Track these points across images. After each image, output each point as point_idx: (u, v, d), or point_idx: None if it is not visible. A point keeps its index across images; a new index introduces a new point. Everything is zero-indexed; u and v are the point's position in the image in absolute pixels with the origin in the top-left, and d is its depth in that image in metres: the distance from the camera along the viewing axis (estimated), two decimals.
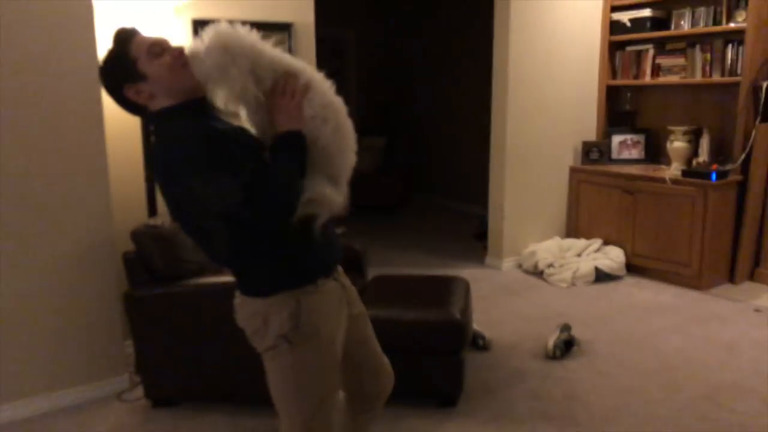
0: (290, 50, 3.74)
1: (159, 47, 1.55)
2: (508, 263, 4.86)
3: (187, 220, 1.60)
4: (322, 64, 3.97)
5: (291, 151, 1.53)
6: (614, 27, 4.98)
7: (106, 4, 3.04)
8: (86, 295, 2.90)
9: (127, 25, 1.61)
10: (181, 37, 3.42)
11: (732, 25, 4.28)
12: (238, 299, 1.68)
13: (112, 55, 1.58)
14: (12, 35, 2.58)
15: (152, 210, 3.22)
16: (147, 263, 2.79)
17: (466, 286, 3.14)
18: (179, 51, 1.55)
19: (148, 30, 3.04)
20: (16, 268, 2.71)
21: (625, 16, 4.89)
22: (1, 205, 2.65)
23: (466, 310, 2.90)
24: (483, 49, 5.39)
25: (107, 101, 1.70)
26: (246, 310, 1.64)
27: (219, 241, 1.57)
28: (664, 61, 4.77)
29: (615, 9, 4.97)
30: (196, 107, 1.56)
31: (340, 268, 1.77)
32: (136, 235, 2.79)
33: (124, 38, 1.56)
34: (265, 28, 3.63)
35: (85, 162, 2.83)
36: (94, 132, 2.85)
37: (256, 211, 1.44)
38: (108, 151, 2.91)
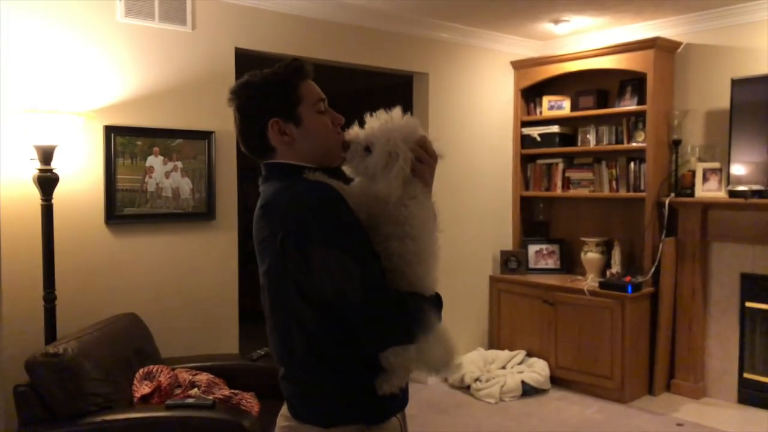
0: (210, 158, 3.57)
1: (324, 106, 1.44)
2: (432, 378, 4.69)
3: (278, 296, 1.36)
4: (244, 169, 3.88)
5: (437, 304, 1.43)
6: (525, 141, 5.21)
7: (15, 105, 2.77)
8: None
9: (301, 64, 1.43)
10: (94, 145, 3.18)
11: (633, 144, 4.56)
12: (286, 423, 1.41)
13: (277, 80, 1.41)
14: None
15: (51, 335, 2.83)
16: (44, 398, 2.43)
17: None
18: (341, 121, 1.45)
19: (59, 135, 2.81)
20: None
21: (534, 131, 5.13)
22: None
23: None
24: None
25: None
26: None
27: (302, 334, 1.34)
28: (573, 174, 5.00)
29: (525, 124, 5.21)
30: (330, 174, 1.41)
31: None
32: (32, 365, 2.44)
33: (300, 71, 1.42)
34: (185, 136, 3.48)
35: None
36: None
37: (371, 315, 1.28)
38: (1, 267, 2.57)
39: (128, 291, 3.30)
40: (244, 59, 3.77)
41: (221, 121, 3.60)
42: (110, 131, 3.19)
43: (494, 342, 5.06)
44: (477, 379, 4.43)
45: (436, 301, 1.44)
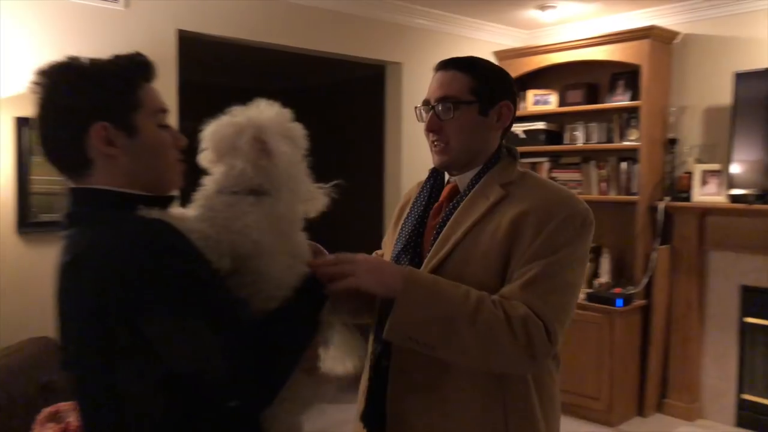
0: None
1: (165, 120, 1.14)
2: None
3: (96, 370, 1.01)
4: None
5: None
6: (509, 138, 4.81)
7: None
8: None
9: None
10: (2, 140, 2.73)
11: (625, 143, 4.21)
12: None
13: (116, 72, 1.07)
14: None
15: None
16: None
17: None
18: (183, 144, 1.16)
19: None
20: None
21: (519, 128, 4.74)
22: None
23: None
24: (376, 158, 5.04)
25: None
26: None
27: (136, 415, 0.99)
28: (560, 175, 4.62)
29: None
30: (163, 205, 1.12)
31: None
32: None
33: (145, 69, 1.11)
34: None
35: None
36: None
37: (236, 386, 0.99)
38: None
39: (43, 311, 2.84)
40: (189, 43, 3.34)
41: None
42: (22, 123, 2.76)
43: None
44: None
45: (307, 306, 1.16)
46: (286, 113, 1.22)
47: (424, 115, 1.47)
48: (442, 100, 1.41)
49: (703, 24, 4.02)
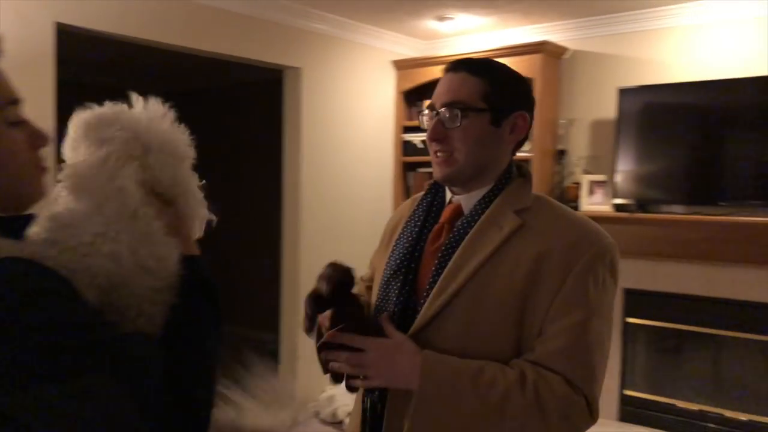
0: None
1: (18, 114, 0.87)
2: (303, 414, 4.18)
3: None
4: None
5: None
6: (407, 148, 4.84)
7: None
8: None
9: None
10: None
11: (519, 153, 4.31)
12: None
13: None
14: None
15: None
16: None
17: None
18: (45, 142, 0.90)
19: None
20: None
21: (416, 138, 4.78)
22: None
23: None
24: (273, 170, 4.90)
25: None
26: None
27: None
28: None
29: (407, 130, 4.85)
30: (16, 229, 0.83)
31: None
32: None
33: None
34: None
35: None
36: None
37: None
38: None
39: None
40: (69, 38, 3.08)
41: (38, 112, 2.89)
42: None
43: None
44: (350, 414, 3.95)
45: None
46: (167, 113, 1.03)
47: (426, 121, 1.31)
48: (448, 105, 1.25)
49: (591, 41, 4.21)
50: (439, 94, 1.27)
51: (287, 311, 4.28)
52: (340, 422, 4.01)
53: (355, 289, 1.37)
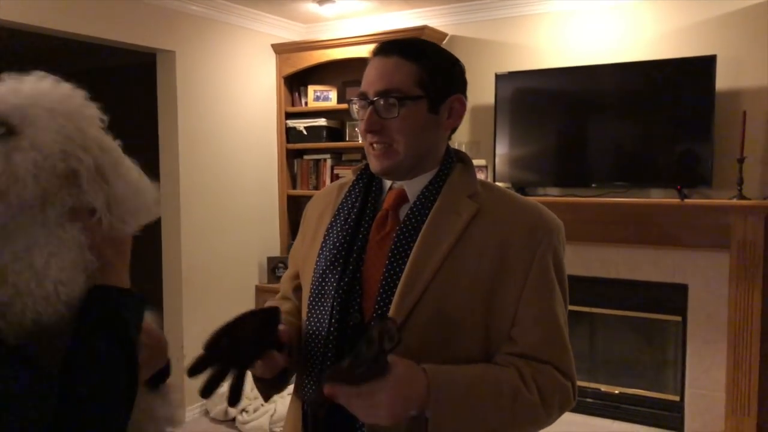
0: None
1: None
2: (192, 412, 4.02)
3: None
4: None
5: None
6: (291, 134, 4.74)
7: None
8: None
9: None
10: None
11: None
12: None
13: None
14: None
15: None
16: None
17: None
18: None
19: None
20: None
21: (300, 124, 4.69)
22: None
23: None
24: (150, 160, 4.62)
25: None
26: None
27: None
28: (342, 171, 4.66)
29: (290, 116, 4.74)
30: None
31: None
32: None
33: None
34: None
35: None
36: None
37: None
38: None
39: None
40: None
41: None
42: None
43: None
44: (243, 410, 3.85)
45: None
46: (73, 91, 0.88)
47: (358, 110, 1.22)
48: (383, 94, 1.17)
49: (469, 27, 4.29)
50: (371, 82, 1.19)
51: (170, 310, 4.07)
52: (233, 419, 3.89)
53: (282, 293, 1.31)
